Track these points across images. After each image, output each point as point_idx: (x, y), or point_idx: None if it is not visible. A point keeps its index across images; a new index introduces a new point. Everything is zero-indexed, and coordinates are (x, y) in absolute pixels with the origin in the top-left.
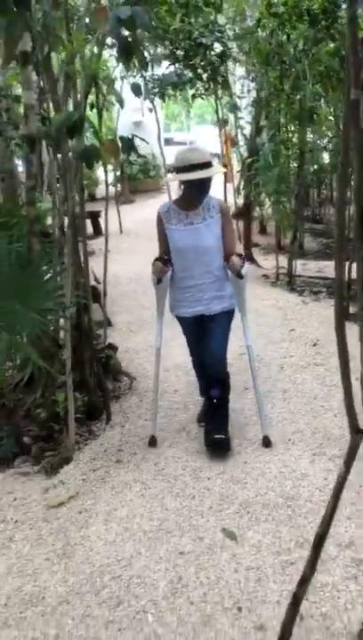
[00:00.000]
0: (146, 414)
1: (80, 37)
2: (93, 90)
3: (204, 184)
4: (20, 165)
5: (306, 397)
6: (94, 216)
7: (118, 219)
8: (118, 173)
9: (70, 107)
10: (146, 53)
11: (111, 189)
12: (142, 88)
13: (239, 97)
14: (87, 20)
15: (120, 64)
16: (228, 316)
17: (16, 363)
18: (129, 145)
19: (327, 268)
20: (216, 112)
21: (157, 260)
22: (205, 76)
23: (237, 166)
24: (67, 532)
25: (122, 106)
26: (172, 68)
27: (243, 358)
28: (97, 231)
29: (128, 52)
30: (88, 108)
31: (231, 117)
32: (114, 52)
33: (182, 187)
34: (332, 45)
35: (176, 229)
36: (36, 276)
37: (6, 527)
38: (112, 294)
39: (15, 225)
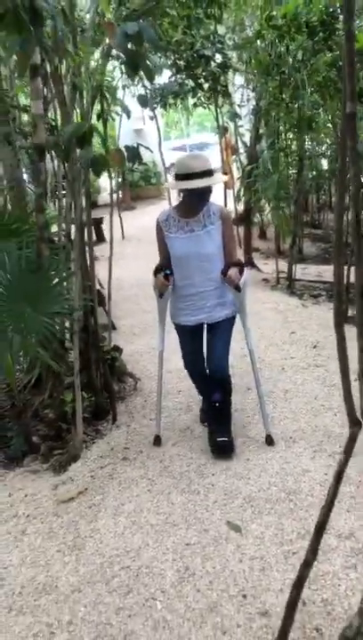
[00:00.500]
0: (150, 414)
1: (86, 50)
2: (98, 100)
3: (203, 193)
4: (25, 174)
5: (307, 397)
6: (97, 223)
7: (120, 225)
8: (120, 180)
9: (76, 117)
10: (149, 63)
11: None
12: (148, 95)
13: (239, 105)
14: (93, 32)
15: (123, 74)
16: (230, 322)
17: (25, 365)
18: (134, 153)
19: (326, 272)
20: (216, 120)
21: (157, 270)
22: (206, 85)
23: (237, 173)
24: (77, 526)
25: (128, 116)
26: (173, 78)
27: (245, 360)
28: (100, 237)
29: (135, 66)
30: (95, 118)
31: (231, 125)
32: (118, 63)
33: (182, 194)
34: (329, 56)
35: (176, 237)
36: (45, 281)
37: (18, 521)
38: (115, 299)
39: (25, 231)
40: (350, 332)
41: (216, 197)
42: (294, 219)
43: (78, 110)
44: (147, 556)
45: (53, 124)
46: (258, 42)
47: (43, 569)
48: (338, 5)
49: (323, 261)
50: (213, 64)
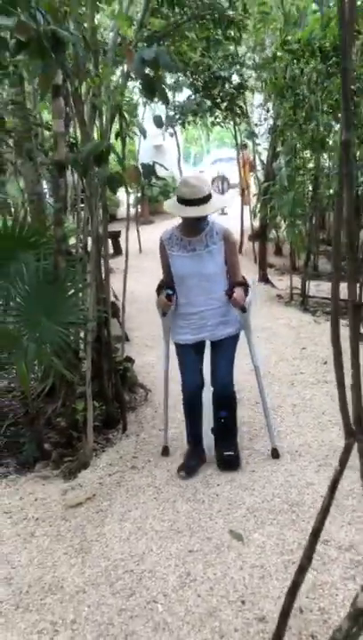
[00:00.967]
0: (160, 425)
1: (107, 71)
2: (117, 119)
3: (198, 219)
4: (45, 188)
5: (314, 412)
6: (115, 236)
7: (138, 239)
8: (139, 195)
9: (95, 135)
10: (168, 80)
11: (131, 210)
12: (163, 116)
13: (257, 124)
14: (114, 53)
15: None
16: (233, 340)
17: (39, 373)
18: (150, 171)
19: (341, 289)
20: (234, 138)
21: (159, 287)
22: (223, 105)
23: (254, 189)
24: (84, 530)
25: (144, 136)
26: (192, 97)
27: (254, 374)
28: (117, 251)
29: (151, 90)
30: (113, 137)
31: (250, 143)
32: (137, 83)
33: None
34: None
35: (178, 256)
36: (61, 292)
37: (28, 524)
38: (129, 311)
39: (43, 244)
40: None
41: (233, 213)
42: (309, 236)
43: (97, 129)
44: (150, 560)
45: (73, 141)
46: (276, 63)
47: (49, 570)
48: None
49: (341, 279)
50: (228, 85)
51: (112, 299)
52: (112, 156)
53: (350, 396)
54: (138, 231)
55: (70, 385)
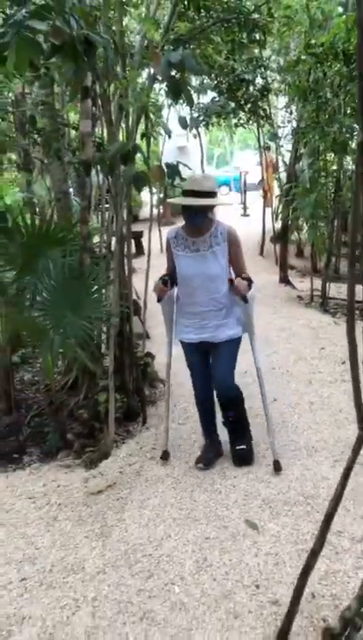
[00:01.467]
0: (179, 419)
1: (134, 73)
2: (143, 120)
3: (194, 213)
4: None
5: (332, 410)
6: (137, 236)
7: (159, 239)
8: (162, 196)
9: (121, 135)
10: (193, 82)
11: (154, 211)
12: (188, 117)
13: (280, 126)
14: (140, 56)
15: (168, 96)
16: (234, 342)
17: (62, 367)
18: (174, 171)
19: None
20: (258, 140)
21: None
22: (247, 107)
23: (277, 191)
24: (104, 516)
25: (170, 136)
26: (217, 99)
27: (273, 372)
28: (139, 251)
29: (177, 92)
30: (139, 137)
31: (273, 145)
32: (163, 85)
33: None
34: None
35: (182, 256)
36: (86, 288)
37: (50, 509)
38: (151, 309)
39: (69, 241)
40: None
41: (255, 215)
42: (330, 238)
43: (122, 129)
44: (168, 546)
45: (100, 141)
46: (300, 65)
47: (71, 551)
48: None
49: (360, 281)
50: (252, 88)
51: (134, 297)
52: (138, 156)
53: None
54: (160, 231)
55: (92, 378)
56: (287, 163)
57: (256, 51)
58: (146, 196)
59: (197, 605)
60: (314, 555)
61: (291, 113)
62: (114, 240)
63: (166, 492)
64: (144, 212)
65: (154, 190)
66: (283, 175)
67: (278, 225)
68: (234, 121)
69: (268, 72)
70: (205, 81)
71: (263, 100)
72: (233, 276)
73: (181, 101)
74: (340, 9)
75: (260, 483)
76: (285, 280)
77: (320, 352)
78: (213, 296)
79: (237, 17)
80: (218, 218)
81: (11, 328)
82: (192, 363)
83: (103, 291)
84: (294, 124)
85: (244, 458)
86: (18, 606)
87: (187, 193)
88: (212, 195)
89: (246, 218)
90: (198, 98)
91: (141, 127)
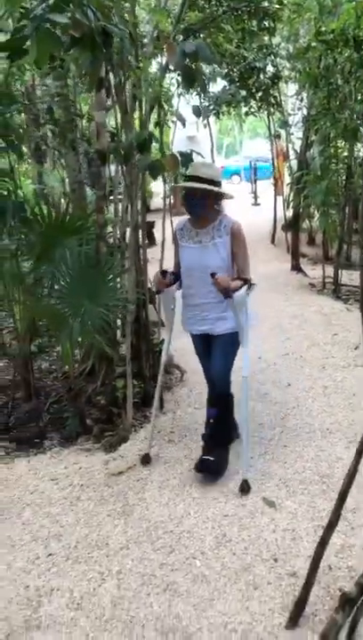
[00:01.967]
0: (195, 403)
1: (146, 63)
2: (155, 109)
3: (193, 200)
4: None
5: (345, 393)
6: (149, 226)
7: (171, 229)
8: (172, 185)
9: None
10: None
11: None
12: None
13: (290, 114)
14: (151, 47)
15: (179, 85)
16: (232, 337)
17: (80, 355)
18: (188, 159)
19: None
20: (268, 128)
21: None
22: (258, 95)
23: (288, 179)
24: (126, 495)
25: (184, 124)
26: (227, 87)
27: (287, 357)
28: (151, 240)
29: (191, 81)
30: (152, 126)
31: (283, 132)
32: (174, 75)
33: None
34: None
35: (186, 247)
36: (103, 276)
37: (73, 489)
38: None
39: (85, 230)
40: None
41: (266, 204)
42: (342, 225)
43: (137, 118)
44: (188, 523)
45: (115, 131)
46: (310, 53)
47: (95, 529)
48: None
49: None
50: (263, 76)
51: (149, 286)
52: (152, 145)
53: None
54: (171, 221)
55: (109, 365)
56: (298, 150)
57: (266, 38)
58: (156, 186)
59: (218, 578)
60: (330, 527)
61: (302, 100)
62: (128, 230)
63: (185, 473)
64: (155, 203)
65: (168, 179)
66: (294, 163)
67: (290, 213)
68: (245, 109)
69: (277, 59)
70: (215, 70)
71: (274, 88)
72: (235, 273)
73: (193, 90)
74: None
75: (276, 463)
76: (296, 268)
77: (333, 338)
78: (211, 288)
79: (247, 5)
80: (227, 209)
81: (29, 316)
82: (198, 353)
83: (119, 279)
84: (305, 111)
85: (208, 468)
86: (46, 579)
87: (187, 179)
88: (212, 183)
89: (256, 207)
90: (209, 87)
91: (154, 116)
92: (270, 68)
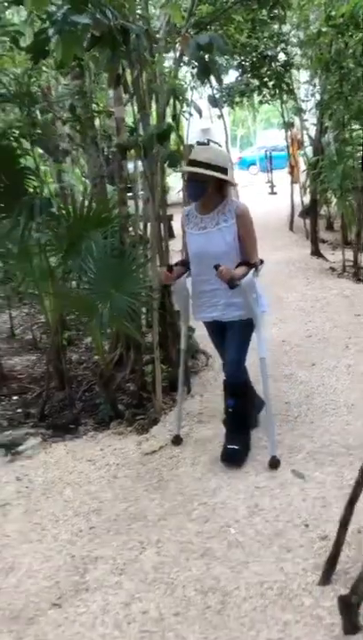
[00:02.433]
0: (221, 387)
1: (161, 57)
2: (171, 102)
3: (191, 183)
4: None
5: None
6: (168, 219)
7: None
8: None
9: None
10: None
11: (181, 194)
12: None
13: (303, 100)
14: (165, 41)
15: (193, 78)
16: (244, 324)
17: (108, 345)
18: None
19: None
20: (282, 116)
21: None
22: (271, 83)
23: (304, 166)
24: (160, 472)
25: (200, 115)
26: (240, 78)
27: (310, 339)
28: (170, 233)
29: (207, 72)
30: (170, 119)
31: (297, 120)
32: (188, 68)
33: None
34: None
35: (191, 233)
36: (127, 265)
37: (110, 469)
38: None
39: (108, 222)
40: None
41: (283, 192)
42: (360, 208)
43: (154, 112)
44: (222, 495)
45: (133, 126)
46: (321, 38)
47: (133, 503)
48: None
49: None
50: (275, 64)
51: None
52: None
53: None
54: None
55: (137, 353)
56: (313, 137)
57: (275, 27)
58: (172, 181)
59: (252, 543)
60: (359, 485)
61: (314, 86)
62: (149, 224)
63: (216, 450)
64: (171, 197)
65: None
66: (309, 150)
67: (307, 199)
68: (258, 98)
69: (289, 47)
70: (228, 61)
71: (286, 75)
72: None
73: (207, 82)
74: None
75: (304, 438)
76: (316, 253)
77: (356, 318)
78: None
79: None
80: (243, 200)
81: (60, 308)
82: (213, 341)
83: (142, 268)
84: (318, 96)
85: (232, 458)
86: (90, 549)
87: (188, 163)
88: (211, 167)
89: (273, 196)
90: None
91: (170, 109)
92: (281, 56)
